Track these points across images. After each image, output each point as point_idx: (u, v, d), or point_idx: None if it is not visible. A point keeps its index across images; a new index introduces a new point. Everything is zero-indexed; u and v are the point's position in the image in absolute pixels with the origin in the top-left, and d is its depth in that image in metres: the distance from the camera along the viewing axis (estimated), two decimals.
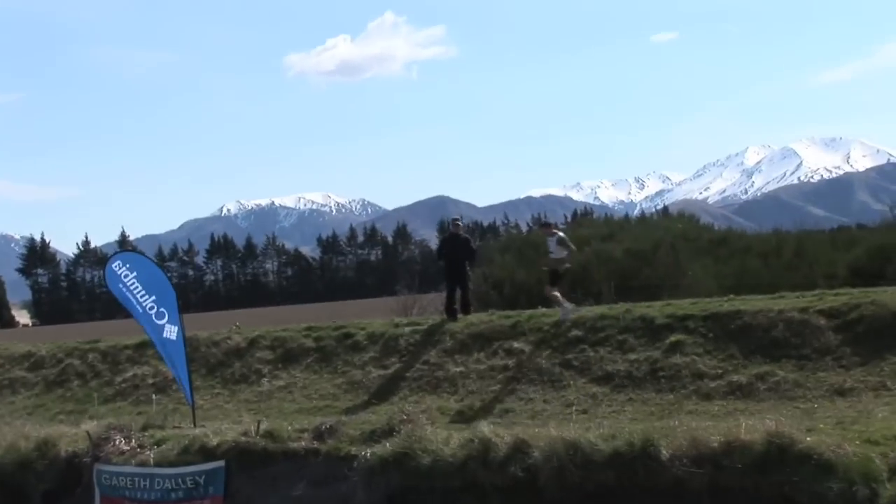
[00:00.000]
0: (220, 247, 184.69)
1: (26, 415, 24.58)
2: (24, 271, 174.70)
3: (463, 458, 16.67)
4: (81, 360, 27.33)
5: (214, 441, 19.52)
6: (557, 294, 22.45)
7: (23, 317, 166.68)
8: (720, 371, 19.41)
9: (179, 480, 19.25)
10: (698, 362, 19.77)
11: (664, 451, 15.15)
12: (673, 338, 20.55)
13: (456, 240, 25.27)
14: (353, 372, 23.00)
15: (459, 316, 24.20)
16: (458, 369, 21.82)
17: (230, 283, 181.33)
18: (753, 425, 15.01)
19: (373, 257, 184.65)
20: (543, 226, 23.91)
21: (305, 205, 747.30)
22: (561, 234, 22.99)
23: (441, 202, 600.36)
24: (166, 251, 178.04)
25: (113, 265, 22.41)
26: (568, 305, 21.17)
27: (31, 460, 20.63)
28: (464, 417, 19.60)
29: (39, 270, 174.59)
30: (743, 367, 19.31)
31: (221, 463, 19.10)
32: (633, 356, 20.59)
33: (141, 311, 21.54)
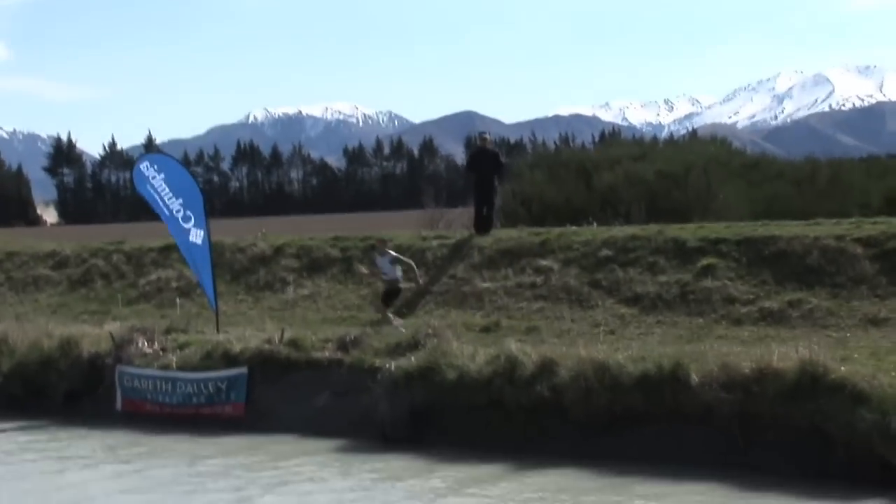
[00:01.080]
0: (246, 154, 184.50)
1: (50, 313, 24.52)
2: (51, 171, 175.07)
3: (489, 375, 16.51)
4: (106, 260, 27.21)
5: (237, 348, 19.44)
6: (387, 312, 21.06)
7: (49, 215, 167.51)
8: (752, 297, 19.09)
9: (201, 385, 19.20)
10: (730, 287, 19.44)
11: (694, 376, 14.93)
12: (705, 261, 20.20)
13: (485, 154, 24.89)
14: (379, 284, 22.76)
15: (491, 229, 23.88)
16: (485, 285, 21.56)
17: (255, 191, 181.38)
18: (786, 353, 14.76)
19: (398, 170, 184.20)
20: (378, 241, 21.75)
21: (332, 115, 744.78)
22: (393, 252, 21.39)
23: (468, 117, 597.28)
24: (192, 156, 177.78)
25: (141, 166, 22.20)
26: (397, 322, 20.22)
27: (54, 359, 20.62)
28: (490, 334, 19.39)
29: (65, 170, 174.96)
30: (775, 294, 18.98)
31: (244, 370, 19.02)
32: (663, 278, 20.26)
33: (168, 213, 21.34)
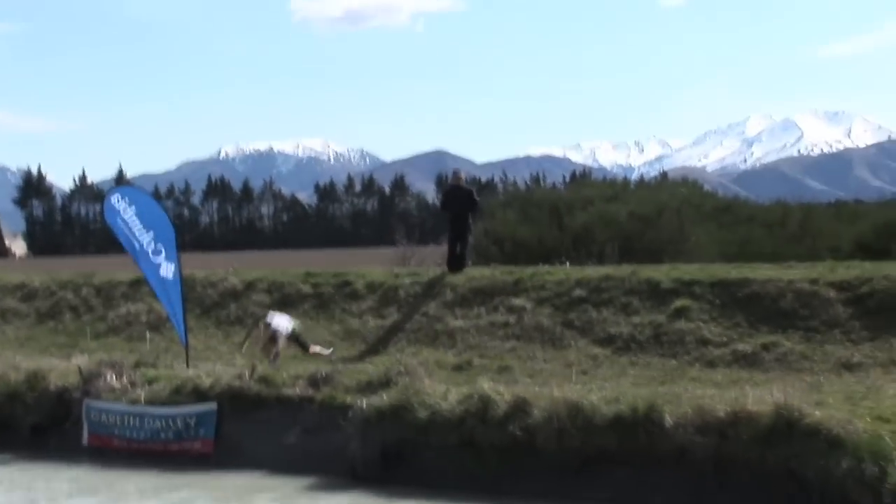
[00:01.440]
0: (217, 189, 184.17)
1: (17, 346, 24.24)
2: (20, 203, 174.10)
3: (461, 414, 16.37)
4: (75, 293, 26.97)
5: (207, 383, 19.23)
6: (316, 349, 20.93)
7: (18, 247, 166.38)
8: (725, 339, 19.07)
9: (170, 421, 18.97)
10: (703, 329, 19.43)
11: (668, 418, 14.85)
12: (678, 303, 20.19)
13: (459, 191, 24.85)
14: (351, 320, 22.65)
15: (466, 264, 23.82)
16: (457, 323, 21.47)
17: (225, 226, 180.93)
18: (761, 396, 14.71)
19: (369, 207, 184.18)
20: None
21: (304, 151, 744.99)
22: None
23: (440, 156, 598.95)
24: (163, 190, 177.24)
25: (112, 198, 22.01)
26: (324, 351, 20.39)
27: (21, 392, 20.35)
28: (462, 372, 19.26)
29: (35, 202, 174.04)
30: (749, 336, 18.97)
31: (213, 405, 18.82)
32: (636, 319, 20.24)
33: (138, 246, 21.15)
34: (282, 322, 20.52)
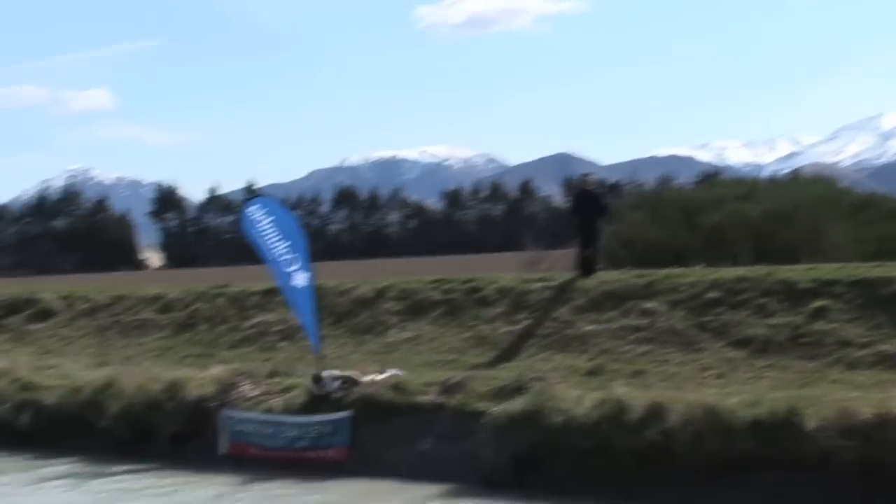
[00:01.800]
0: (345, 197, 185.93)
1: (155, 356, 24.72)
2: (155, 215, 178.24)
3: (595, 419, 16.23)
4: (210, 304, 27.40)
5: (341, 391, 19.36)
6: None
7: (154, 259, 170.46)
8: (867, 340, 18.49)
9: (305, 429, 19.14)
10: (844, 329, 18.87)
11: (810, 422, 14.48)
12: (817, 303, 19.66)
13: (587, 195, 24.65)
14: (482, 327, 22.57)
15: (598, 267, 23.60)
16: (589, 328, 21.24)
17: (353, 234, 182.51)
18: None
19: (496, 213, 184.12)
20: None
21: (429, 158, 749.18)
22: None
23: (565, 159, 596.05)
24: (292, 200, 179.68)
25: (250, 209, 22.34)
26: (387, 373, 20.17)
27: (161, 402, 20.75)
28: (594, 377, 19.03)
29: (169, 215, 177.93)
30: (893, 337, 18.38)
31: (348, 413, 18.94)
32: (773, 321, 19.76)
33: (274, 256, 21.41)
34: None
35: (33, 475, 19.45)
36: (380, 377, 19.81)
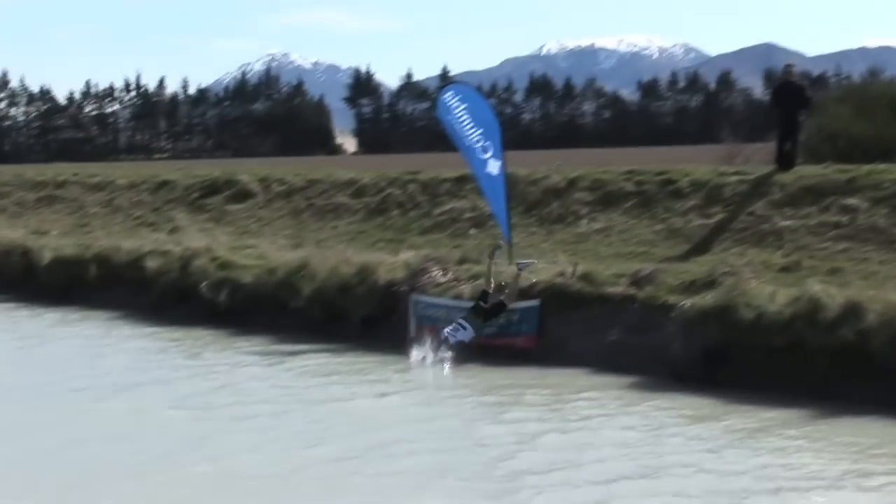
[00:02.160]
0: (539, 86, 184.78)
1: (348, 240, 25.15)
2: (350, 101, 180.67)
3: (789, 317, 15.85)
4: (402, 190, 27.66)
5: (530, 280, 19.37)
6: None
7: (349, 144, 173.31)
8: None
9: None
10: None
11: None
12: None
13: (790, 87, 23.78)
14: (674, 219, 22.20)
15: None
16: (785, 223, 20.65)
17: (546, 124, 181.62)
18: None
19: (693, 104, 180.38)
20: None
21: (626, 47, 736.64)
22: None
23: (767, 49, 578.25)
24: (485, 88, 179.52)
25: (445, 95, 22.33)
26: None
27: (352, 285, 21.14)
28: (789, 274, 18.52)
29: (364, 101, 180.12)
30: None
31: (536, 302, 18.96)
32: None
33: (468, 143, 21.42)
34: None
35: (230, 352, 20.14)
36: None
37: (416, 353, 18.46)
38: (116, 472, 12.46)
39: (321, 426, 14.55)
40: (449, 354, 18.07)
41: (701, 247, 20.80)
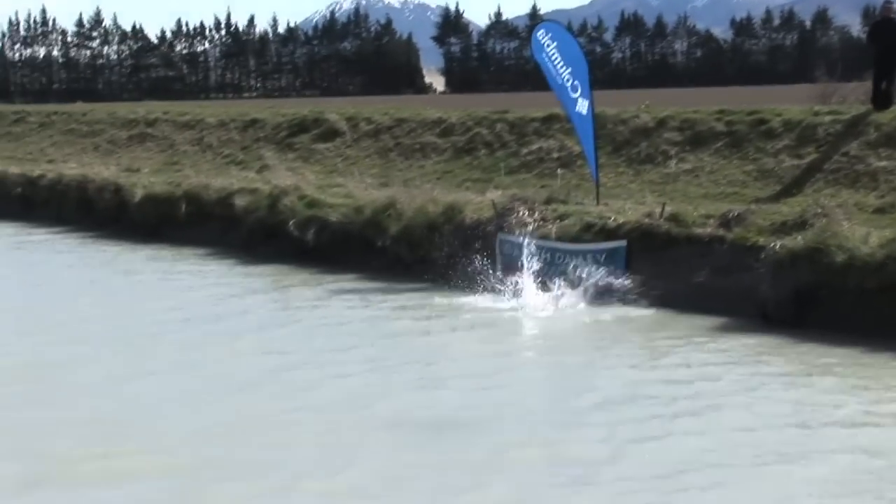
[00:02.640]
0: (630, 25, 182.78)
1: (435, 179, 25.14)
2: (438, 40, 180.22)
3: (882, 259, 15.53)
4: (489, 129, 27.54)
5: (617, 220, 19.23)
6: None
7: (437, 83, 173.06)
8: None
9: (580, 257, 19.14)
10: None
11: None
12: None
13: (888, 24, 23.16)
14: (765, 160, 21.86)
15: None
16: (881, 164, 20.22)
17: (637, 63, 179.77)
18: None
19: (788, 42, 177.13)
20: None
21: None
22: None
23: None
24: (576, 27, 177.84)
25: (537, 33, 22.19)
26: None
27: (438, 224, 21.13)
28: (884, 216, 18.19)
29: (452, 40, 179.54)
30: None
31: (623, 243, 18.81)
32: None
33: (559, 82, 21.25)
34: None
35: (318, 289, 20.30)
36: None
37: (503, 292, 18.45)
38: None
39: (404, 361, 14.61)
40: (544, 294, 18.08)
41: (792, 188, 20.48)
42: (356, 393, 13.06)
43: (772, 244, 16.80)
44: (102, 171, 31.22)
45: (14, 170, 34.28)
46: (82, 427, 11.72)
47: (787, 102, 26.90)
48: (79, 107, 42.45)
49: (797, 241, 16.48)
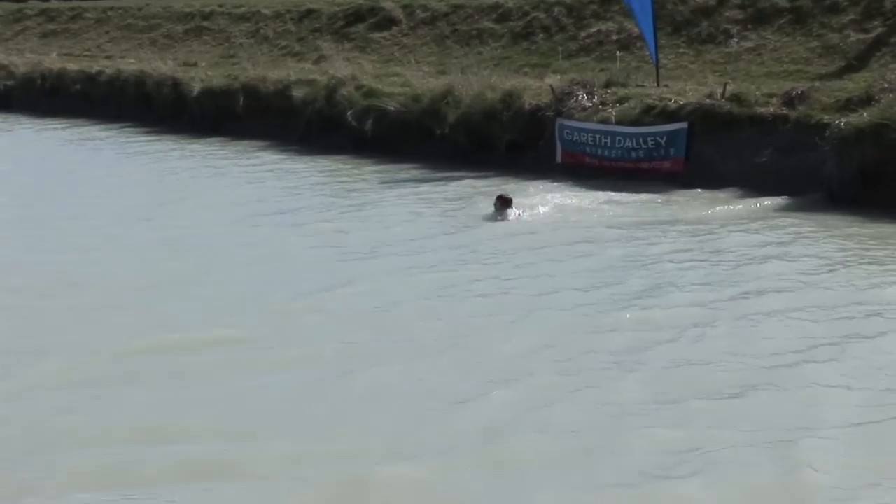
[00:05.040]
0: None
1: (493, 66, 24.86)
2: None
3: None
4: (547, 13, 27.13)
5: (678, 102, 18.97)
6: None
7: None
8: None
9: (640, 140, 18.97)
10: None
11: None
12: None
13: None
14: (830, 35, 21.37)
15: None
16: None
17: None
18: None
19: None
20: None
21: None
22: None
23: None
24: None
25: None
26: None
27: (497, 111, 20.98)
28: None
29: None
30: None
31: (684, 124, 18.60)
32: None
33: None
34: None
35: (376, 179, 20.29)
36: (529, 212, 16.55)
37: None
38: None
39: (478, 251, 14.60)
40: None
41: (858, 63, 20.06)
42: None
43: (836, 121, 16.51)
44: (160, 65, 31.22)
45: (72, 66, 34.37)
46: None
47: None
48: (135, 2, 42.31)
49: (862, 117, 16.18)
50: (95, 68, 33.37)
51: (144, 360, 10.24)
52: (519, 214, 16.06)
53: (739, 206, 16.43)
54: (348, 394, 9.31)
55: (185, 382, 9.65)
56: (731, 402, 8.84)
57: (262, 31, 34.11)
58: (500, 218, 15.97)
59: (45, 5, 46.15)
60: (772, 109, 17.95)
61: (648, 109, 19.22)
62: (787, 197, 16.44)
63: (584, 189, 18.07)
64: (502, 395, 9.10)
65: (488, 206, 16.43)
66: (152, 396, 9.31)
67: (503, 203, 16.15)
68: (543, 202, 17.05)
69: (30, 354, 10.40)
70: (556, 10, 27.06)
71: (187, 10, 38.66)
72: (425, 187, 19.22)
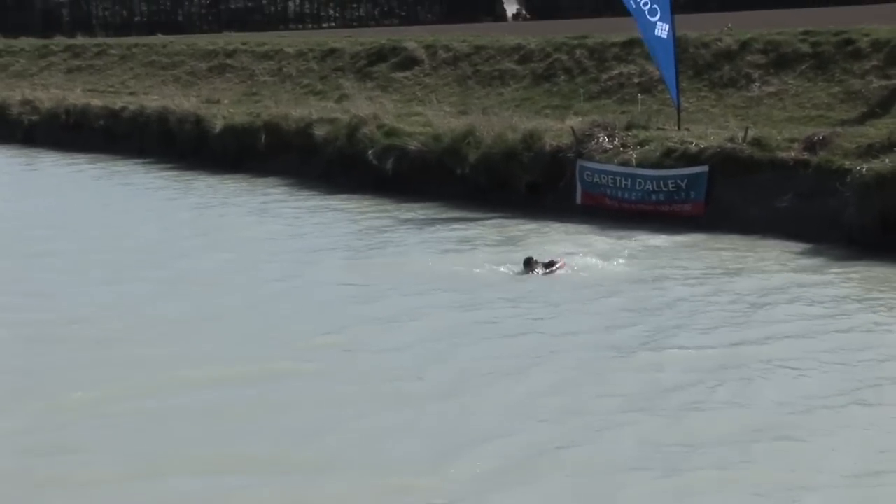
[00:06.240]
0: None
1: (514, 107, 24.89)
2: None
3: None
4: (569, 55, 27.18)
5: (699, 145, 18.98)
6: None
7: (512, 8, 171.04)
8: None
9: (661, 183, 18.97)
10: None
11: None
12: None
13: None
14: (852, 81, 21.35)
15: None
16: None
17: None
18: None
19: None
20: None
21: None
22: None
23: None
24: None
25: None
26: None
27: (518, 152, 21.00)
28: None
29: None
30: None
31: (705, 168, 18.59)
32: None
33: (635, 6, 20.86)
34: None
35: (395, 217, 20.33)
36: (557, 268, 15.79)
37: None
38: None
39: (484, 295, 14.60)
40: None
41: (880, 109, 20.02)
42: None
43: (858, 167, 16.47)
44: (183, 102, 31.36)
45: (97, 102, 34.59)
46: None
47: (876, 22, 26.17)
48: (159, 39, 42.65)
49: (884, 163, 16.14)
50: (119, 104, 33.59)
51: (181, 392, 10.35)
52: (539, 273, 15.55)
53: (759, 251, 16.39)
54: (373, 429, 9.34)
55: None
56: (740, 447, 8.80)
57: (284, 70, 34.30)
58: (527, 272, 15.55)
59: (71, 41, 46.60)
60: (793, 154, 17.93)
61: (669, 152, 19.22)
62: (807, 242, 16.39)
63: (603, 231, 18.06)
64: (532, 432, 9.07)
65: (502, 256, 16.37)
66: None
67: (529, 265, 15.60)
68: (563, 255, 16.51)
69: (53, 384, 10.56)
70: (577, 52, 27.13)
71: (211, 47, 38.93)
72: (445, 227, 19.24)
